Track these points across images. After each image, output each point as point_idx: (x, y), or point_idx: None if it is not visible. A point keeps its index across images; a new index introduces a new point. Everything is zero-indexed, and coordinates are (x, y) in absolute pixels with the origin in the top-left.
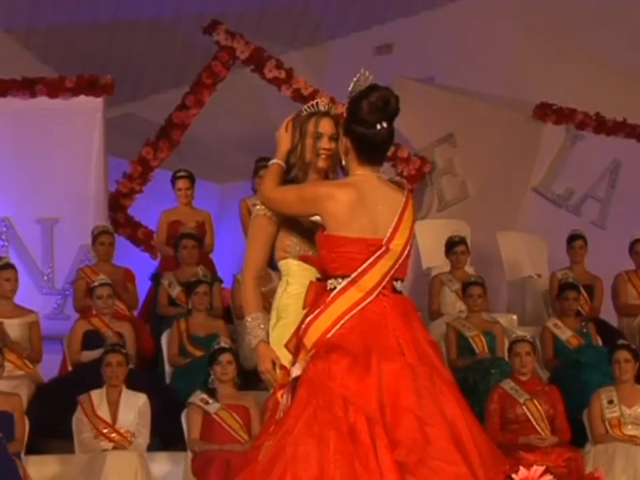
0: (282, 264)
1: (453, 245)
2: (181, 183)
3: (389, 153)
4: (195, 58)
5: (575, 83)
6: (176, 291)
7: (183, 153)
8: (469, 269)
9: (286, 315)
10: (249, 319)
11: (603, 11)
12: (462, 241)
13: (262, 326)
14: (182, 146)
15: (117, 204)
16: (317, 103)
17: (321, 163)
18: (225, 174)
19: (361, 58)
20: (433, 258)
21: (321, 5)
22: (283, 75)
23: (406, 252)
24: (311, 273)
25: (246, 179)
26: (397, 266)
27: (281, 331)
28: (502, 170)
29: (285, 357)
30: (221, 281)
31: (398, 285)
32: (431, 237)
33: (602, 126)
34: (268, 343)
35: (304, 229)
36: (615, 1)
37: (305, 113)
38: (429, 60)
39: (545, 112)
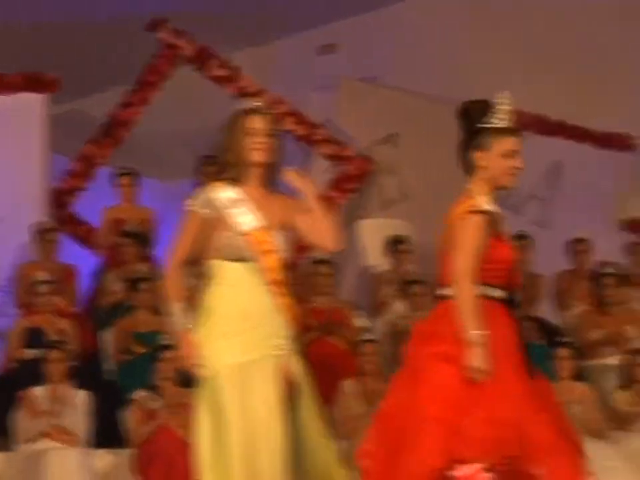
0: (213, 264)
1: (394, 244)
2: (124, 180)
3: (332, 152)
4: (143, 56)
5: (518, 83)
6: (118, 287)
7: (128, 151)
8: (410, 267)
9: (213, 316)
10: (174, 308)
11: (545, 11)
12: (404, 239)
13: (186, 314)
14: (128, 143)
15: (59, 201)
16: (250, 102)
17: (256, 157)
18: (170, 172)
19: (305, 58)
20: (375, 256)
21: (265, 4)
22: (227, 73)
23: None
24: (241, 275)
25: (190, 176)
26: None
27: (208, 330)
28: (444, 170)
29: (215, 353)
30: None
31: None
32: (373, 236)
33: (544, 127)
34: (191, 330)
35: (239, 231)
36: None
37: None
38: (372, 60)
39: None
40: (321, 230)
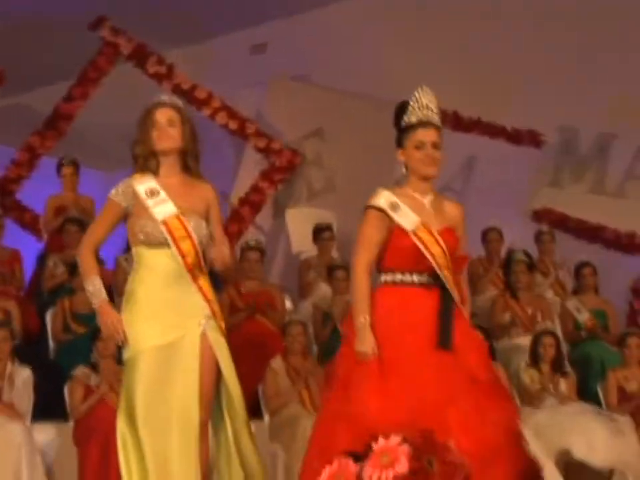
0: (134, 250)
1: (320, 232)
2: (66, 170)
3: (262, 145)
4: (85, 53)
5: (434, 81)
6: (60, 271)
7: (70, 142)
8: (334, 254)
9: (134, 300)
10: (91, 283)
11: (461, 14)
12: (328, 227)
13: (101, 288)
14: (70, 135)
15: (4, 189)
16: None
17: (160, 146)
18: (110, 162)
19: (238, 56)
20: (302, 243)
21: (200, 4)
22: (164, 70)
23: None
24: (160, 260)
25: (128, 167)
26: None
27: (129, 313)
28: (367, 163)
29: (136, 335)
30: (102, 263)
31: None
32: (300, 224)
33: (459, 123)
34: (109, 302)
35: (155, 219)
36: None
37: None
38: (301, 59)
39: None
40: (218, 250)
